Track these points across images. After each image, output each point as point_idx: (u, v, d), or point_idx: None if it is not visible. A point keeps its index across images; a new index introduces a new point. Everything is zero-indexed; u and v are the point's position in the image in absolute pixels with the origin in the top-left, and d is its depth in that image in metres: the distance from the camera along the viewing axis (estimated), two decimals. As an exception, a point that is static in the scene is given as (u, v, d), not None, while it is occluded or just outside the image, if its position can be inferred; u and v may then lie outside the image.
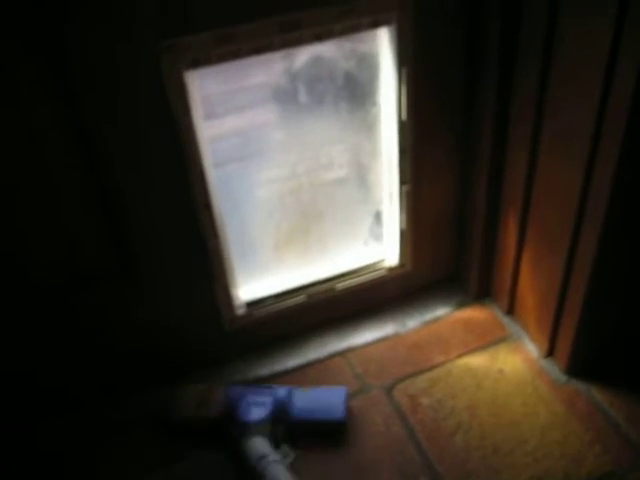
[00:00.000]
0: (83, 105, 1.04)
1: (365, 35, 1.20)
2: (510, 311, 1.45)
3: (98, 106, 1.05)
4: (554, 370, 1.34)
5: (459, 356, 1.40)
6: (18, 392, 1.31)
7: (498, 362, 1.37)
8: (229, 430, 1.25)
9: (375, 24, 1.16)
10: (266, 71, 1.21)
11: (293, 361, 1.42)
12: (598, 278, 1.16)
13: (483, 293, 1.51)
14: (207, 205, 1.21)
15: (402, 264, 1.47)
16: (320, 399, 1.29)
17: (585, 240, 1.14)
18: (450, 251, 1.51)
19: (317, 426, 1.27)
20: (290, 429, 1.26)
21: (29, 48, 0.96)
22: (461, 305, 1.51)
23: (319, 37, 1.13)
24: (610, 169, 1.02)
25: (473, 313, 1.49)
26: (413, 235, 1.43)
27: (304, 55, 1.20)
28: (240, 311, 1.38)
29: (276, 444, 1.23)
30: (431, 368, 1.38)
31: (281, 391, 1.29)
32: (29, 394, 1.32)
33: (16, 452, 1.29)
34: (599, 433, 1.23)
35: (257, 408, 1.25)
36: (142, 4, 0.98)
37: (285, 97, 1.23)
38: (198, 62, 1.08)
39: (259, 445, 1.20)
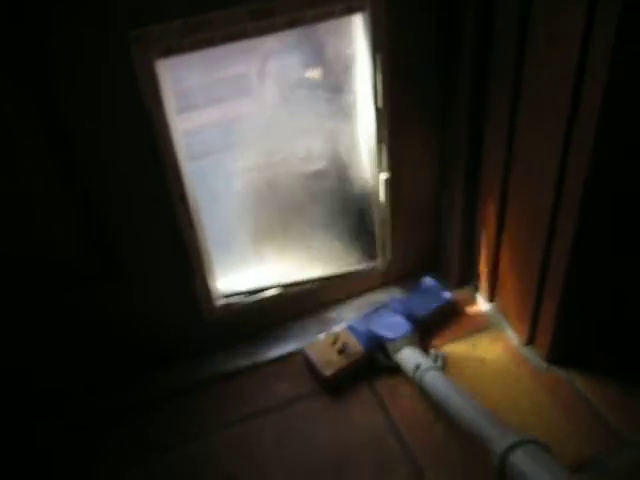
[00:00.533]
0: (53, 97, 1.03)
1: (339, 21, 1.19)
2: (491, 299, 1.44)
3: (69, 98, 1.04)
4: (535, 358, 1.34)
5: (441, 345, 1.39)
6: (13, 389, 1.31)
7: (479, 350, 1.37)
8: (375, 361, 1.34)
9: (349, 10, 1.15)
10: (240, 62, 1.21)
11: (273, 351, 1.42)
12: (577, 265, 1.16)
13: (464, 282, 1.50)
14: (182, 197, 1.20)
15: (382, 253, 1.47)
16: (424, 294, 1.46)
17: (562, 227, 1.13)
18: (431, 239, 1.51)
19: (437, 315, 1.43)
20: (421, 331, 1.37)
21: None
22: (441, 294, 1.50)
23: (292, 24, 1.12)
24: (586, 150, 1.02)
25: (453, 302, 1.48)
26: (394, 225, 1.43)
27: (279, 43, 1.20)
28: (219, 302, 1.37)
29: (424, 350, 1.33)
30: (412, 357, 1.37)
31: (396, 304, 1.42)
32: (23, 391, 1.32)
33: (14, 448, 1.29)
34: (581, 421, 1.22)
35: (394, 325, 1.35)
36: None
37: (260, 88, 1.22)
38: (170, 50, 1.07)
39: (411, 357, 1.29)
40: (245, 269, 1.40)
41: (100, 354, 1.34)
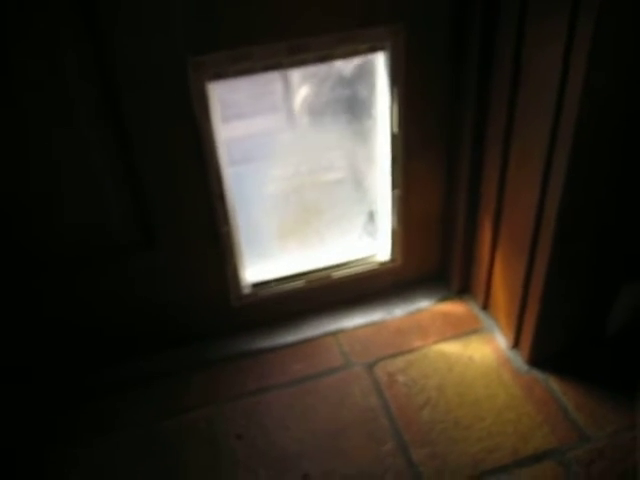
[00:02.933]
0: (120, 102, 1.25)
1: (364, 58, 1.40)
2: (485, 306, 1.63)
3: (135, 106, 1.26)
4: (518, 360, 1.52)
5: (435, 342, 1.58)
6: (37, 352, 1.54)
7: (469, 350, 1.56)
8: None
9: (372, 49, 1.35)
10: (277, 83, 1.42)
11: (291, 337, 1.62)
12: (555, 279, 1.34)
13: (463, 289, 1.69)
14: (221, 196, 1.42)
15: (393, 260, 1.66)
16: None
17: (542, 247, 1.32)
18: (436, 250, 1.70)
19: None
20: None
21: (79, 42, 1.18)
22: (443, 299, 1.70)
23: (323, 59, 1.33)
24: (561, 179, 1.20)
25: (453, 307, 1.67)
26: (403, 234, 1.62)
27: (311, 71, 1.41)
28: (246, 290, 1.58)
29: None
30: (410, 351, 1.56)
31: None
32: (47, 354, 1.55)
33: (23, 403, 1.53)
34: (549, 416, 1.40)
35: None
36: (178, 26, 1.19)
37: (293, 106, 1.44)
38: (219, 75, 1.29)
39: None
40: (271, 261, 1.61)
41: (134, 326, 1.57)
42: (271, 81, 1.43)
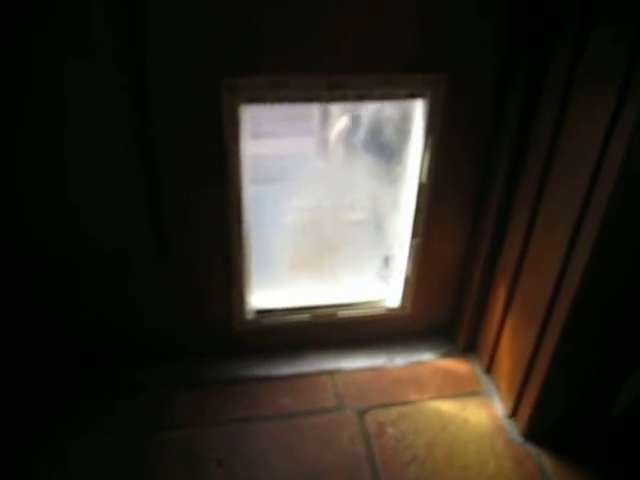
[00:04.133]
0: (148, 115, 1.25)
1: (402, 103, 1.38)
2: (488, 369, 1.59)
3: (164, 122, 1.26)
4: (513, 430, 1.47)
5: (432, 398, 1.54)
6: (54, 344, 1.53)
7: (466, 412, 1.52)
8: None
9: (411, 95, 1.34)
10: (316, 108, 1.42)
11: (287, 369, 1.60)
12: (563, 354, 1.30)
13: (469, 349, 1.66)
14: (238, 218, 1.40)
15: (402, 307, 1.63)
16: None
17: (555, 317, 1.28)
18: (447, 305, 1.67)
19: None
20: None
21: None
22: (447, 355, 1.66)
23: (361, 98, 1.32)
24: (582, 261, 1.17)
25: (455, 364, 1.63)
26: (416, 284, 1.59)
27: (350, 107, 1.40)
28: (250, 315, 1.56)
29: None
30: (404, 403, 1.53)
31: None
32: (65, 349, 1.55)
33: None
34: (537, 494, 1.36)
35: None
36: (216, 45, 1.19)
37: (328, 134, 1.43)
38: (254, 100, 1.28)
39: None
40: (279, 290, 1.60)
41: (131, 335, 1.56)
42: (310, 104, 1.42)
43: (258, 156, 1.38)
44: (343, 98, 1.32)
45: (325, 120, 1.47)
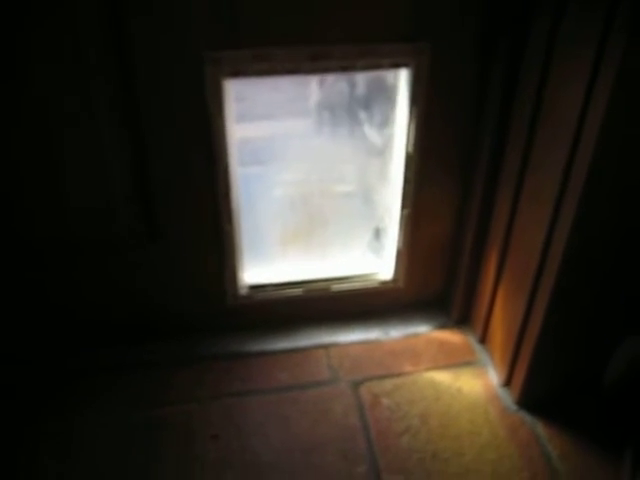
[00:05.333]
0: (135, 92, 1.25)
1: (386, 72, 1.37)
2: (482, 339, 1.59)
3: (149, 97, 1.26)
4: (507, 399, 1.48)
5: (426, 369, 1.55)
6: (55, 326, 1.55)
7: (459, 382, 1.52)
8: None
9: (394, 65, 1.33)
10: (298, 88, 1.41)
11: (282, 344, 1.60)
12: (553, 321, 1.30)
13: (462, 319, 1.66)
14: (226, 195, 1.40)
15: (394, 280, 1.63)
16: None
17: (544, 284, 1.28)
18: (439, 277, 1.66)
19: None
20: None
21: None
22: (441, 327, 1.66)
23: (344, 69, 1.32)
24: (569, 222, 1.17)
25: (450, 336, 1.64)
26: (408, 256, 1.59)
27: (332, 80, 1.39)
28: (243, 291, 1.57)
29: None
30: (399, 374, 1.53)
31: None
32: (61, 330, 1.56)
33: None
34: (531, 462, 1.35)
35: None
36: (197, 19, 1.19)
37: (310, 114, 1.42)
38: (237, 73, 1.28)
39: None
40: (271, 265, 1.60)
41: (128, 314, 1.57)
42: (292, 84, 1.41)
43: (252, 138, 1.39)
44: (327, 69, 1.31)
45: (313, 102, 1.46)
